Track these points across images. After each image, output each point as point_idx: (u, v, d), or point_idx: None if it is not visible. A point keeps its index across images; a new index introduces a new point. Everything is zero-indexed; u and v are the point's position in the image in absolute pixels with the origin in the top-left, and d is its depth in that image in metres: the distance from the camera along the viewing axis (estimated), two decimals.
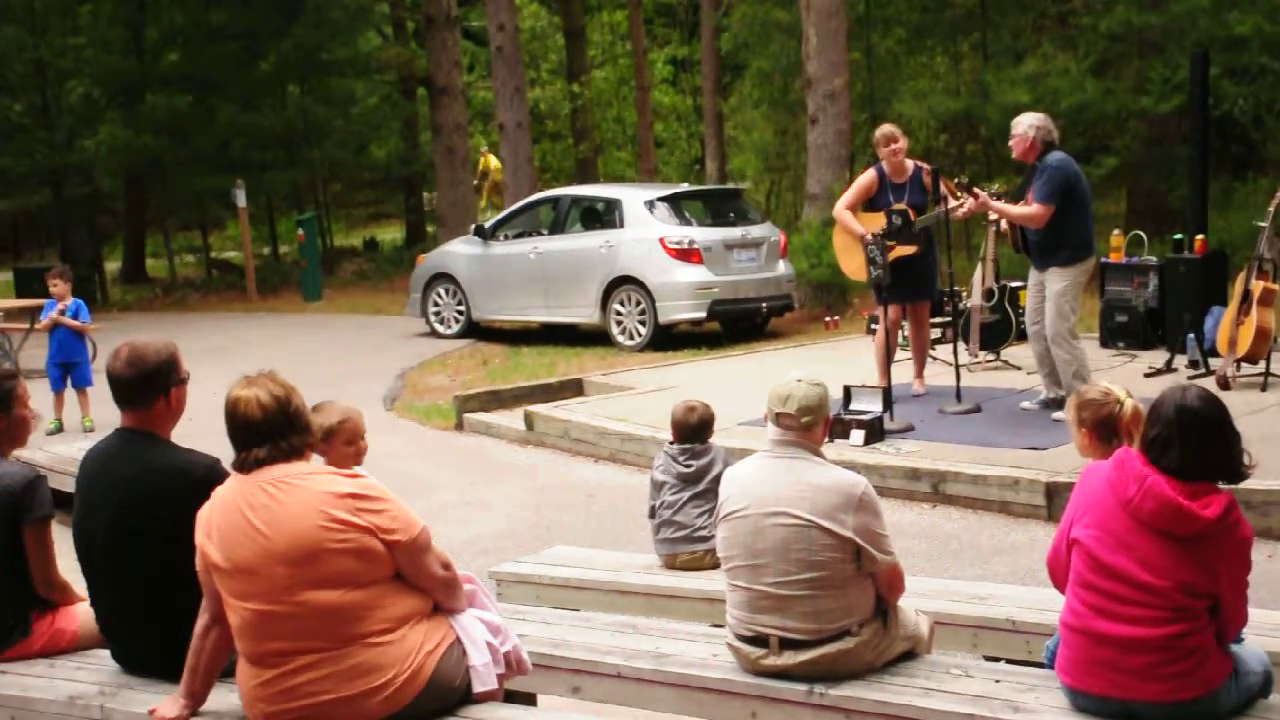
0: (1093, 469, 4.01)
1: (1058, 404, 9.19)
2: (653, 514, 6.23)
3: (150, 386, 4.29)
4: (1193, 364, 10.77)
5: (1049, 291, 9.16)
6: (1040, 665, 4.38)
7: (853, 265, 10.19)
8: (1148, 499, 3.76)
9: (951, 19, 21.12)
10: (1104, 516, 3.84)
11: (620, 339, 15.46)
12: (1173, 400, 3.85)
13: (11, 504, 4.49)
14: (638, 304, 15.34)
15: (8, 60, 27.12)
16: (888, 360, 9.94)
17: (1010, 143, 9.29)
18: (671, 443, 6.26)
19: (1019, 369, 11.24)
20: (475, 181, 29.53)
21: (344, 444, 4.66)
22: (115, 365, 4.30)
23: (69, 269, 12.92)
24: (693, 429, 6.16)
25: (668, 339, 15.31)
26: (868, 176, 10.23)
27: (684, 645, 4.67)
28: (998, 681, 4.17)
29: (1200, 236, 12.04)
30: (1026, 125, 9.16)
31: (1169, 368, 10.80)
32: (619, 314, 15.52)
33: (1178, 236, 12.45)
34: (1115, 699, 3.82)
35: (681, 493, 6.06)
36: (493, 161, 29.64)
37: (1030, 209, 9.09)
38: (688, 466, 6.12)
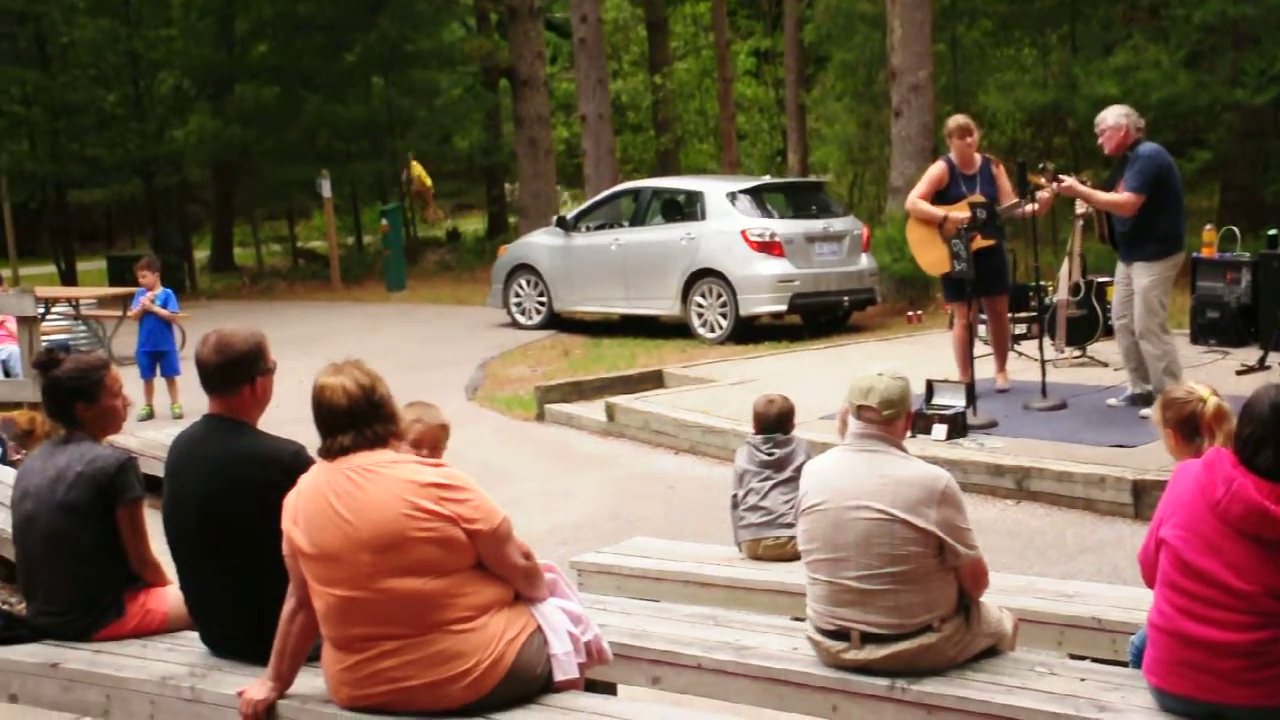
0: (1185, 468, 3.95)
1: (1145, 400, 9.06)
2: (735, 504, 6.24)
3: (237, 373, 4.36)
4: None
5: (1136, 286, 9.01)
6: (1126, 664, 4.33)
7: (928, 258, 10.05)
8: (1235, 502, 3.70)
9: (1039, 10, 20.84)
10: (1192, 518, 3.79)
11: (701, 331, 15.45)
12: (1267, 398, 3.78)
13: (105, 487, 4.58)
14: (719, 296, 15.33)
15: (102, 52, 27.65)
16: (968, 355, 9.84)
17: (1101, 139, 9.13)
18: (754, 434, 6.29)
19: (1105, 365, 11.10)
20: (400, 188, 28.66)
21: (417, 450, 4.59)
22: (203, 352, 4.37)
23: (157, 259, 13.14)
24: (773, 420, 6.24)
25: (748, 332, 15.28)
26: (938, 168, 10.09)
27: (765, 638, 4.66)
28: (1083, 680, 4.12)
29: None
30: (1118, 115, 9.01)
31: (1262, 365, 10.60)
32: (700, 306, 15.52)
33: (1272, 232, 12.21)
34: (1203, 701, 3.77)
35: (766, 480, 6.08)
36: (417, 169, 28.99)
37: (1120, 196, 8.93)
38: (770, 455, 6.16)
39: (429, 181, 28.52)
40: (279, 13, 27.47)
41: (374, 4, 27.04)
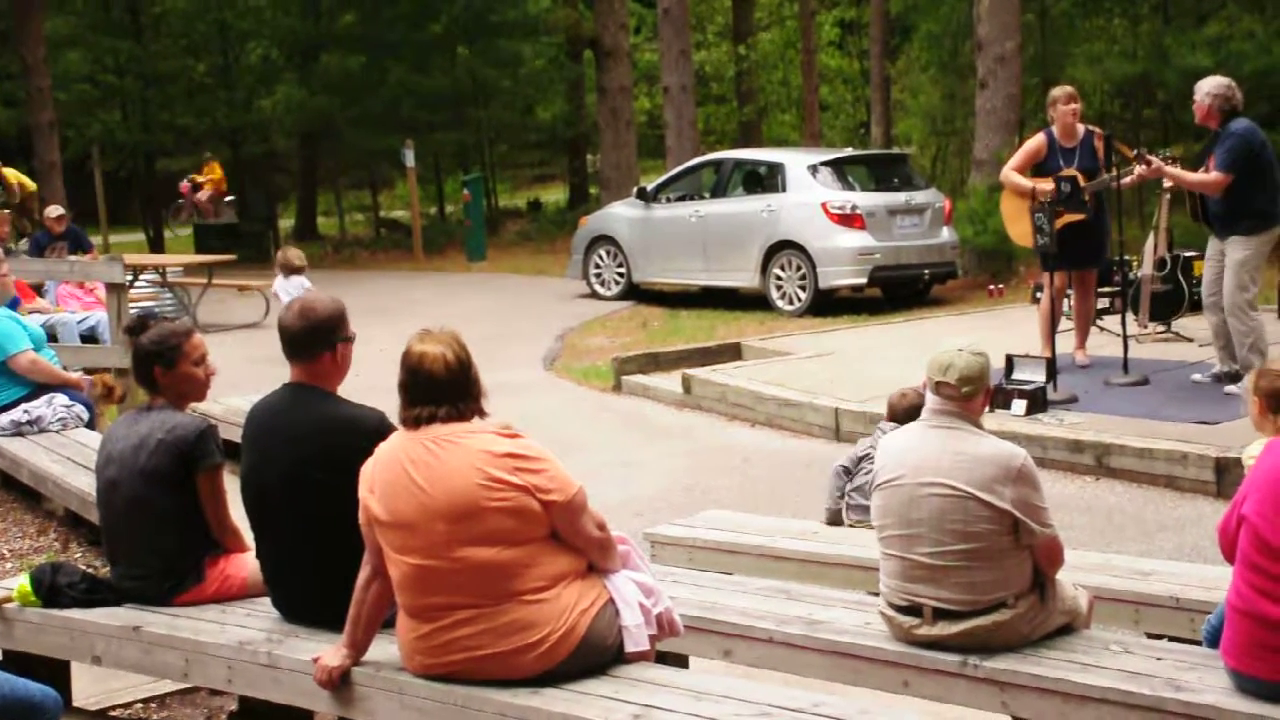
0: (1274, 446, 3.90)
1: (1231, 378, 8.91)
2: (848, 474, 6.44)
3: (319, 340, 4.42)
4: None
5: (1229, 261, 8.88)
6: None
7: (1019, 230, 9.98)
8: None
9: None
10: (1274, 497, 3.73)
11: (780, 304, 15.39)
12: None
13: (185, 453, 4.65)
14: (798, 269, 15.25)
15: (193, 22, 28.00)
16: (1052, 329, 9.74)
17: (1194, 108, 9.04)
18: (887, 421, 6.49)
19: (1190, 341, 10.91)
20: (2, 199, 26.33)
21: None
22: (287, 318, 4.45)
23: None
24: (902, 414, 6.35)
25: (828, 304, 15.20)
26: (1036, 140, 10.03)
27: (837, 612, 4.66)
28: (1159, 659, 4.09)
29: None
30: (1204, 91, 8.90)
31: None
32: (779, 278, 15.45)
33: None
34: None
35: None
36: (12, 176, 27.00)
37: (1208, 176, 8.83)
38: None
39: (32, 186, 26.27)
40: None
41: None
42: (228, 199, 30.29)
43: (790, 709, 3.66)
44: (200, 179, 26.91)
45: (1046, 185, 9.57)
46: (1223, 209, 8.89)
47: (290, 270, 12.74)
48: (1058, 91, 10.08)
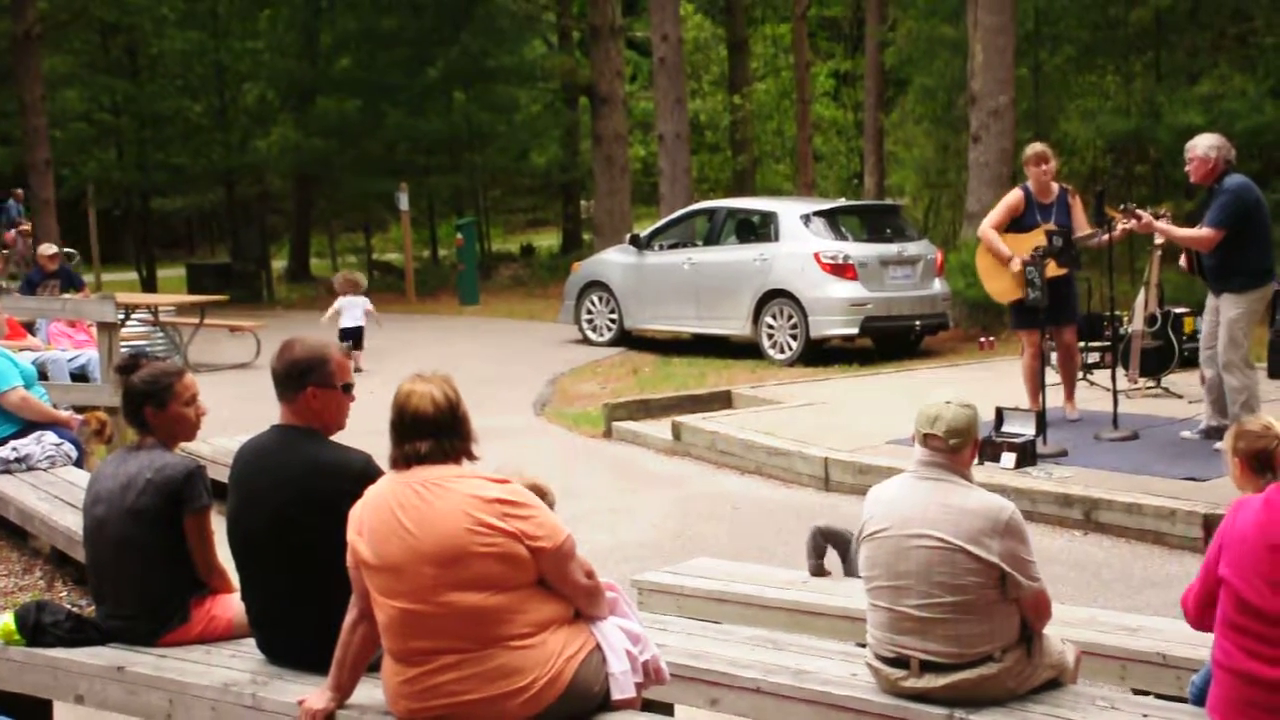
0: (1244, 503, 3.91)
1: (1219, 433, 8.92)
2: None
3: (291, 380, 4.42)
4: None
5: (1223, 318, 8.90)
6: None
7: (997, 287, 10.00)
8: None
9: (1124, 37, 20.64)
10: (1253, 558, 3.75)
11: (771, 352, 15.43)
12: None
13: (173, 494, 4.65)
14: (790, 318, 15.30)
15: (190, 63, 28.16)
16: (1038, 384, 9.76)
17: (1188, 167, 9.02)
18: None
19: (1180, 397, 10.94)
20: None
21: None
22: (272, 357, 4.49)
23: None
24: None
25: (819, 354, 15.24)
26: (1014, 196, 10.05)
27: (824, 663, 4.64)
28: (1145, 716, 4.07)
29: None
30: (1206, 147, 8.89)
31: None
32: (770, 327, 15.50)
33: None
34: None
35: None
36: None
37: (1200, 232, 8.84)
38: None
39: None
40: (364, 27, 27.82)
41: (458, 20, 27.30)
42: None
43: None
44: (26, 226, 22.84)
45: (1025, 246, 9.60)
46: (1216, 265, 8.91)
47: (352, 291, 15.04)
48: (1029, 152, 10.05)
